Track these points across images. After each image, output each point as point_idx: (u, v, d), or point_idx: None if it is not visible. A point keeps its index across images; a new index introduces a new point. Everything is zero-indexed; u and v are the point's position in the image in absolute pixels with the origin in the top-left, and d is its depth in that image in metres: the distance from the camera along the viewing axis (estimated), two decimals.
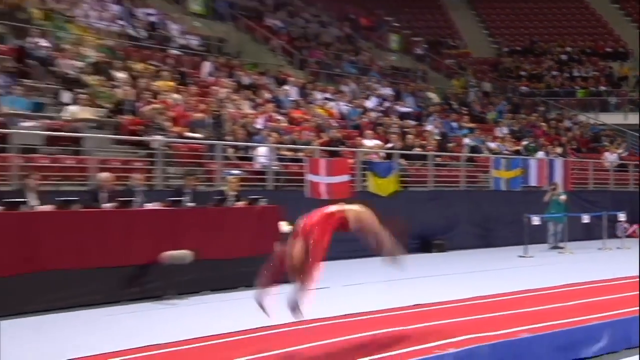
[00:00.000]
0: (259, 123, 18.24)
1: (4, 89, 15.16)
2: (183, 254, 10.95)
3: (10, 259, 9.80)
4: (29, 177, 11.53)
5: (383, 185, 17.07)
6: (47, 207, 10.83)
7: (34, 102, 15.31)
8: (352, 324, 8.42)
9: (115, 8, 22.24)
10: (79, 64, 17.79)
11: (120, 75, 17.91)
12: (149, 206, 11.89)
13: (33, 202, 10.88)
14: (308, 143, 17.94)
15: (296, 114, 20.44)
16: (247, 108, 19.34)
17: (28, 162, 12.84)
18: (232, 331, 8.15)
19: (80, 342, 7.94)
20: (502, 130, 25.30)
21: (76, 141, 14.37)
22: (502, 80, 32.48)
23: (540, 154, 23.05)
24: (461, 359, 6.68)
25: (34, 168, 12.38)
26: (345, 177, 15.85)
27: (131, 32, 21.78)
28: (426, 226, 17.80)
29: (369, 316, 9.01)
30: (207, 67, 21.58)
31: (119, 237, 10.84)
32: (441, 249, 17.85)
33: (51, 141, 14.00)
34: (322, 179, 15.53)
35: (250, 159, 16.50)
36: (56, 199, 11.04)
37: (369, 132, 20.12)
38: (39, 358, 7.31)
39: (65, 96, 16.08)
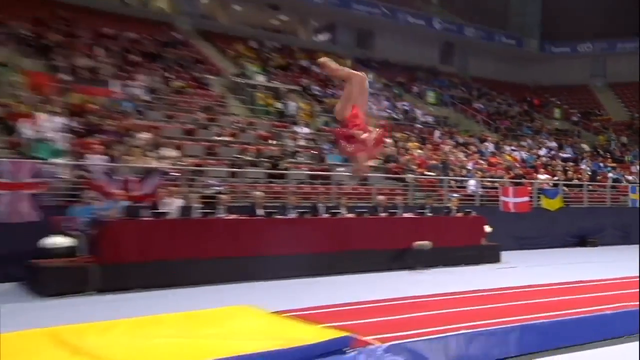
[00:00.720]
0: (470, 165, 17.98)
1: (328, 151, 16.20)
2: (426, 243, 11.04)
3: (332, 243, 10.27)
4: (340, 198, 12.22)
5: (551, 204, 15.97)
6: (350, 215, 11.35)
7: (345, 157, 16.28)
8: (534, 292, 7.72)
9: (385, 103, 22.96)
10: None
11: (388, 140, 18.57)
12: (406, 215, 12.09)
13: (343, 212, 11.44)
14: (501, 177, 17.40)
15: (493, 160, 19.85)
16: (462, 157, 19.14)
17: (340, 190, 13.48)
18: (461, 290, 7.80)
19: (369, 290, 8.25)
20: (637, 168, 22.56)
21: (365, 178, 14.91)
22: (636, 135, 28.99)
23: None
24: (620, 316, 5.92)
25: (343, 193, 13.06)
26: (525, 198, 15.07)
27: (394, 115, 22.31)
28: (583, 229, 16.44)
29: (545, 287, 8.20)
30: (437, 134, 21.62)
31: (389, 232, 11.05)
32: (593, 244, 16.21)
33: (352, 178, 14.63)
34: (510, 199, 14.91)
35: (464, 187, 16.28)
36: (356, 210, 11.54)
37: (541, 170, 19.15)
38: (355, 296, 7.37)
39: None
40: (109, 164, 10.93)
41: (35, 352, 4.16)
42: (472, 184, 16.23)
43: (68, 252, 8.47)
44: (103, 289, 8.08)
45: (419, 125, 22.22)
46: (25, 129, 11.41)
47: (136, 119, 14.41)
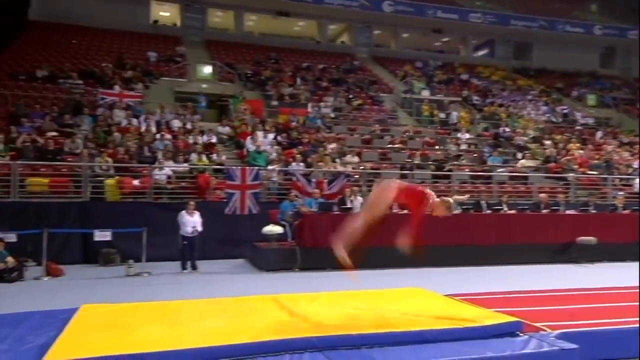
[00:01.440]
0: (635, 164, 15.34)
1: (487, 153, 15.26)
2: (591, 239, 9.91)
3: (493, 236, 9.75)
4: (502, 196, 11.54)
5: None
6: (511, 211, 10.66)
7: (503, 158, 15.13)
8: None
9: (543, 108, 20.84)
10: (525, 138, 17.17)
11: (547, 142, 16.78)
12: (568, 212, 10.94)
13: (505, 208, 10.83)
14: None
15: None
16: (627, 156, 16.42)
17: (501, 188, 12.76)
18: (629, 285, 6.51)
19: (535, 280, 7.64)
20: None
21: (525, 178, 13.93)
22: None
23: None
24: None
25: (504, 191, 12.30)
26: None
27: (553, 119, 20.10)
28: None
29: None
30: (599, 134, 18.89)
31: (552, 228, 10.14)
32: None
33: (511, 178, 13.69)
34: None
35: (630, 185, 13.99)
36: (517, 207, 10.80)
37: None
38: (522, 285, 6.84)
39: (519, 155, 15.71)
40: (306, 169, 11.71)
41: (264, 312, 4.66)
42: (638, 182, 13.87)
43: (280, 237, 9.27)
44: (304, 268, 8.67)
45: (578, 127, 19.64)
46: (249, 144, 12.78)
47: (325, 132, 15.20)
